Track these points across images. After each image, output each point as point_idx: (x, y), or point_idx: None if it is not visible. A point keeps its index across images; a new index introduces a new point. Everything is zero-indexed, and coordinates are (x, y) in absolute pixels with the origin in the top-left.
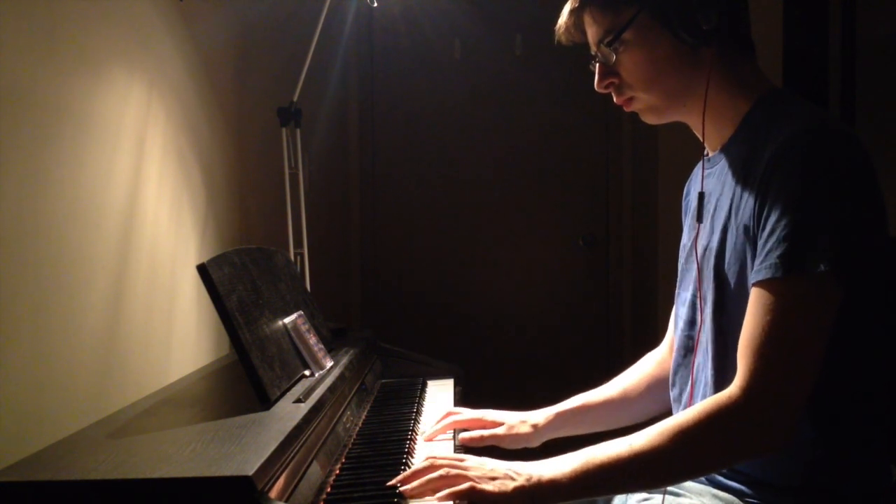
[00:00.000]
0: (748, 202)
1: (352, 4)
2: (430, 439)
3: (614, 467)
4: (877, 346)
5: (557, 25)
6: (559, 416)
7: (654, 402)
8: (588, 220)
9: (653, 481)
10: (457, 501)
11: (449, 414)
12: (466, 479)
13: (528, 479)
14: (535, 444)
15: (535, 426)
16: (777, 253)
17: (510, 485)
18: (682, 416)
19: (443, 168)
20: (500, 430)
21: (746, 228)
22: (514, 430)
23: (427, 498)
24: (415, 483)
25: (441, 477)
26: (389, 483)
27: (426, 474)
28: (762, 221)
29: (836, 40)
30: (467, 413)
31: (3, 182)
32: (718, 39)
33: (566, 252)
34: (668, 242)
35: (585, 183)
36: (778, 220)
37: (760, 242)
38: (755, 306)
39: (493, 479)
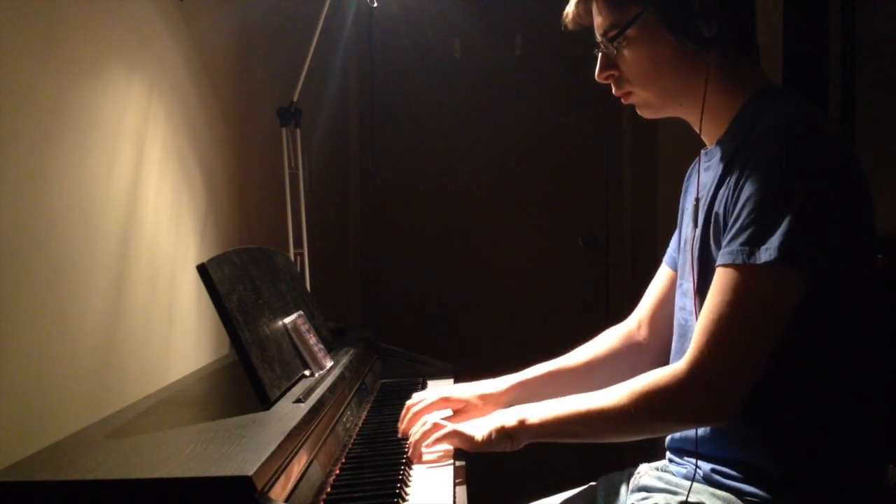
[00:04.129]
0: (727, 192)
1: (352, 4)
2: (405, 433)
3: (575, 419)
4: (869, 341)
5: (564, 13)
6: (521, 385)
7: (616, 373)
8: (588, 220)
9: (608, 434)
10: (455, 463)
11: (409, 408)
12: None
13: (504, 421)
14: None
15: (485, 397)
16: (739, 240)
17: (488, 428)
18: (635, 381)
19: (443, 168)
20: (463, 413)
21: (725, 217)
22: (476, 407)
23: (427, 467)
24: (415, 442)
25: (434, 426)
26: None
27: (421, 432)
28: (732, 207)
29: (836, 40)
30: (430, 397)
31: (3, 182)
32: (719, 45)
33: (566, 252)
34: (668, 242)
35: (585, 183)
36: (743, 208)
37: (728, 227)
38: (714, 288)
39: (472, 425)
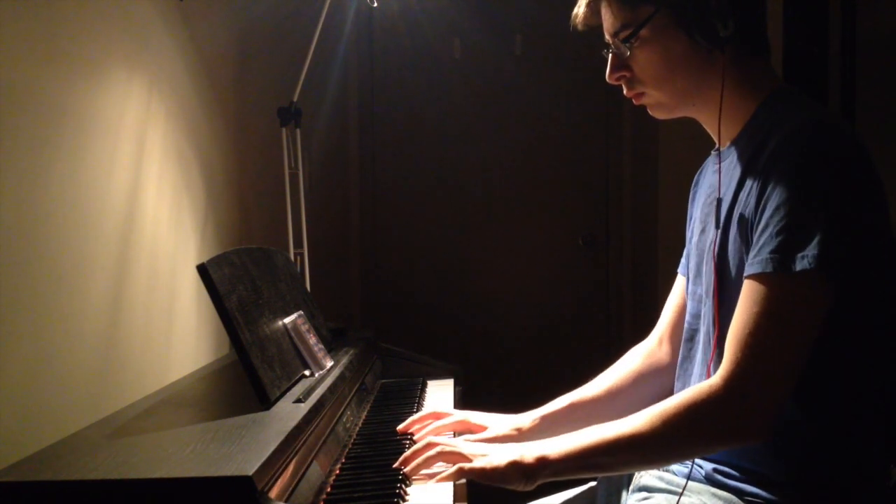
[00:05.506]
0: (750, 196)
1: (352, 4)
2: (405, 431)
3: (601, 449)
4: (877, 343)
5: (573, 14)
6: (545, 419)
7: (641, 396)
8: (588, 220)
9: (636, 464)
10: (456, 482)
11: (433, 415)
12: (461, 456)
13: (521, 457)
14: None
15: (519, 430)
16: (769, 248)
17: (504, 460)
18: (666, 403)
19: (443, 168)
20: (485, 435)
21: (747, 221)
22: (498, 435)
23: (427, 484)
24: (415, 462)
25: (439, 453)
26: (394, 465)
27: (424, 453)
28: (758, 214)
29: (836, 40)
30: (452, 417)
31: (3, 182)
32: (734, 44)
33: (566, 252)
34: (668, 242)
35: (585, 183)
36: (772, 216)
37: (755, 236)
38: (745, 298)
39: (486, 455)
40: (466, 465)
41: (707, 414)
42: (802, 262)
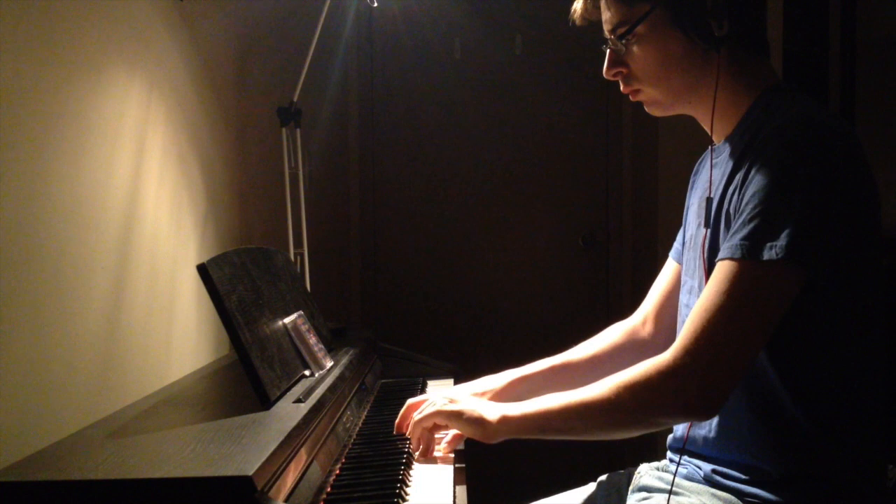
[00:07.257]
0: (735, 190)
1: (352, 4)
2: (400, 430)
3: (555, 413)
4: (872, 339)
5: (572, 9)
6: (522, 381)
7: (619, 369)
8: (588, 220)
9: (588, 430)
10: (455, 464)
11: (411, 407)
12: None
13: (484, 413)
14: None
15: (493, 392)
16: (740, 235)
17: (469, 413)
18: (621, 374)
19: (443, 168)
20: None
21: (731, 216)
22: (475, 392)
23: (427, 467)
24: (413, 440)
25: (420, 428)
26: (396, 432)
27: (414, 435)
28: (739, 203)
29: (836, 40)
30: (428, 401)
31: (3, 182)
32: (730, 43)
33: (566, 252)
34: (668, 242)
35: (585, 182)
36: (747, 203)
37: (733, 222)
38: (711, 281)
39: (456, 402)
40: (443, 408)
41: (652, 388)
42: (770, 252)
